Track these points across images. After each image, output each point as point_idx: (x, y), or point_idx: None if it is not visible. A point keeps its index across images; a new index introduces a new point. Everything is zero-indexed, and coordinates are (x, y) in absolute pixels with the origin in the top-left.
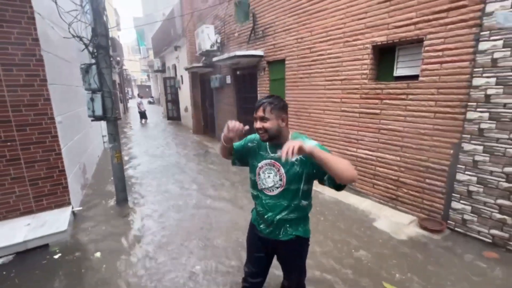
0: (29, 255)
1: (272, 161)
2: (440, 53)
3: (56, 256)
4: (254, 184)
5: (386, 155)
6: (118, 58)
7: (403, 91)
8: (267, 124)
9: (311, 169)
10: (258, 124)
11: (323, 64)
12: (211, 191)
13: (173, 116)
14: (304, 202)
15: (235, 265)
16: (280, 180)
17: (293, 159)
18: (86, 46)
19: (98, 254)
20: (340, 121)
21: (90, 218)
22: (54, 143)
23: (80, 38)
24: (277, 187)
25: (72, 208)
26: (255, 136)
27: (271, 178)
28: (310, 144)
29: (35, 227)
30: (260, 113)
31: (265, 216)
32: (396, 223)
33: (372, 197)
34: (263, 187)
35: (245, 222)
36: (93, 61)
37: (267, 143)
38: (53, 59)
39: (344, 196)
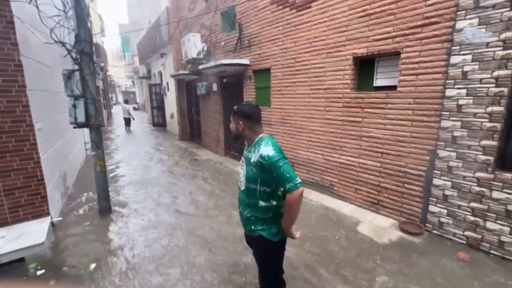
0: (3, 270)
1: (243, 158)
2: (416, 65)
3: (35, 271)
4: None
5: (367, 161)
6: (102, 64)
7: (382, 101)
8: (230, 125)
9: (263, 175)
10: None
11: (307, 74)
12: (200, 199)
13: (159, 122)
14: (262, 204)
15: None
16: (244, 176)
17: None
18: (69, 51)
19: (92, 266)
20: (324, 128)
21: (70, 229)
22: (32, 151)
23: (63, 44)
24: (243, 184)
25: (51, 218)
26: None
27: (242, 174)
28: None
29: (10, 239)
30: (231, 117)
31: (239, 210)
32: (378, 227)
33: (354, 201)
34: (239, 182)
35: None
36: (76, 67)
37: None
38: (33, 65)
39: (327, 201)
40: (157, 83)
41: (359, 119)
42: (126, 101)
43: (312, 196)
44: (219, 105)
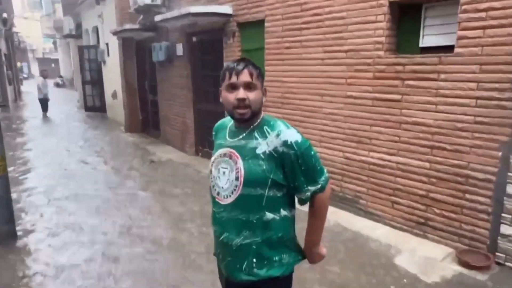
0: None
1: (230, 150)
2: (483, 14)
3: None
4: (210, 191)
5: (410, 160)
6: (5, 15)
7: (432, 68)
8: (253, 95)
9: (278, 171)
10: (240, 94)
11: (320, 28)
12: (159, 233)
13: (95, 105)
14: (269, 216)
15: None
16: (237, 179)
17: (260, 150)
18: None
19: None
20: (345, 111)
21: None
22: None
23: None
24: (232, 191)
25: None
26: (216, 125)
27: (225, 176)
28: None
29: None
30: (245, 77)
31: (220, 239)
32: (426, 258)
33: (390, 221)
34: (216, 191)
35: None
36: None
37: (228, 127)
38: None
39: (350, 220)
40: (91, 44)
41: (398, 97)
42: (43, 74)
43: (328, 213)
44: (186, 78)
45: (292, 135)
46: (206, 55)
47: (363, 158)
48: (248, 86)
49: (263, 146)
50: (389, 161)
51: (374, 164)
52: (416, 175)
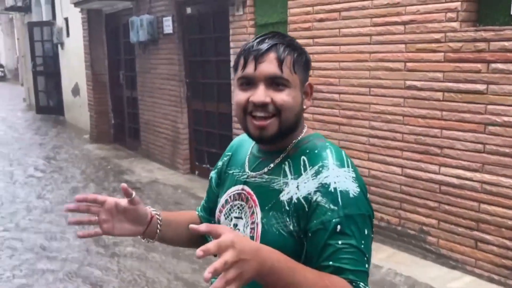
0: None
1: (246, 189)
2: None
3: None
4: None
5: (501, 179)
6: None
7: None
8: (284, 97)
9: (305, 235)
10: (258, 94)
11: None
12: None
13: (48, 105)
14: None
15: None
16: (252, 238)
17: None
18: None
19: None
20: (404, 109)
21: None
22: None
23: None
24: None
25: None
26: (233, 143)
27: (239, 231)
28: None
29: None
30: (269, 66)
31: None
32: None
33: (474, 268)
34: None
35: None
36: None
37: (250, 149)
38: None
39: (414, 267)
40: (44, 20)
41: (482, 87)
42: None
43: (380, 256)
44: (178, 65)
45: (342, 179)
46: (205, 33)
47: (432, 175)
48: (275, 82)
49: (291, 188)
50: (470, 179)
51: (448, 184)
52: (510, 201)
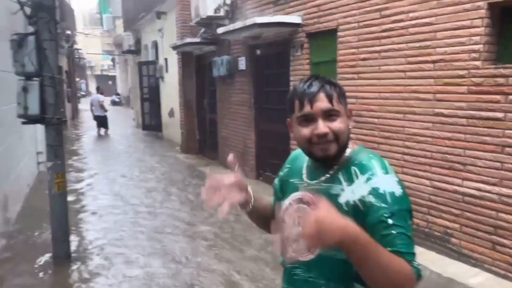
0: None
1: (307, 194)
2: None
3: None
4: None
5: None
6: (69, 32)
7: None
8: (338, 124)
9: (364, 230)
10: (320, 127)
11: (402, 37)
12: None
13: (151, 124)
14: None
15: None
16: None
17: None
18: (22, 5)
19: None
20: (433, 131)
21: (9, 284)
22: None
23: None
24: (309, 248)
25: None
26: (291, 157)
27: (300, 228)
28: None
29: None
30: (322, 103)
31: None
32: None
33: (491, 266)
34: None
35: None
36: (31, 29)
37: (306, 163)
38: None
39: (439, 263)
40: (150, 60)
41: (500, 115)
42: (99, 90)
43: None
44: (248, 94)
45: (388, 183)
46: (270, 69)
47: (456, 187)
48: (329, 114)
49: (347, 193)
50: (489, 192)
51: (470, 195)
52: None
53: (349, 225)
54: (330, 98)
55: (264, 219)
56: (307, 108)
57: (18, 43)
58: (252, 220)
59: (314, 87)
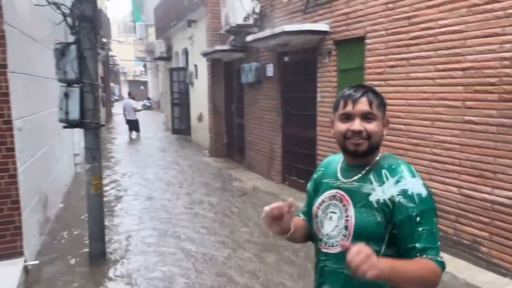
0: None
1: (340, 192)
2: None
3: None
4: (313, 236)
5: None
6: (105, 40)
7: None
8: (373, 126)
9: (390, 227)
10: (356, 125)
11: (431, 44)
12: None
13: (180, 128)
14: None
15: None
16: (346, 228)
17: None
18: (65, 16)
19: None
20: (461, 139)
21: (48, 279)
22: (8, 160)
23: (57, 6)
24: (340, 241)
25: (25, 261)
26: (324, 161)
27: (333, 222)
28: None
29: None
30: (363, 106)
31: None
32: None
33: None
34: (320, 237)
35: None
36: (71, 38)
37: (339, 164)
38: (18, 37)
39: (468, 272)
40: (180, 66)
41: None
42: (130, 95)
43: None
44: (275, 100)
45: (415, 186)
46: (297, 76)
47: (485, 195)
48: (366, 117)
49: (378, 192)
50: None
51: (500, 203)
52: None
53: (380, 259)
54: (370, 103)
55: (297, 238)
56: (349, 108)
57: (61, 51)
58: (291, 239)
59: (359, 92)
